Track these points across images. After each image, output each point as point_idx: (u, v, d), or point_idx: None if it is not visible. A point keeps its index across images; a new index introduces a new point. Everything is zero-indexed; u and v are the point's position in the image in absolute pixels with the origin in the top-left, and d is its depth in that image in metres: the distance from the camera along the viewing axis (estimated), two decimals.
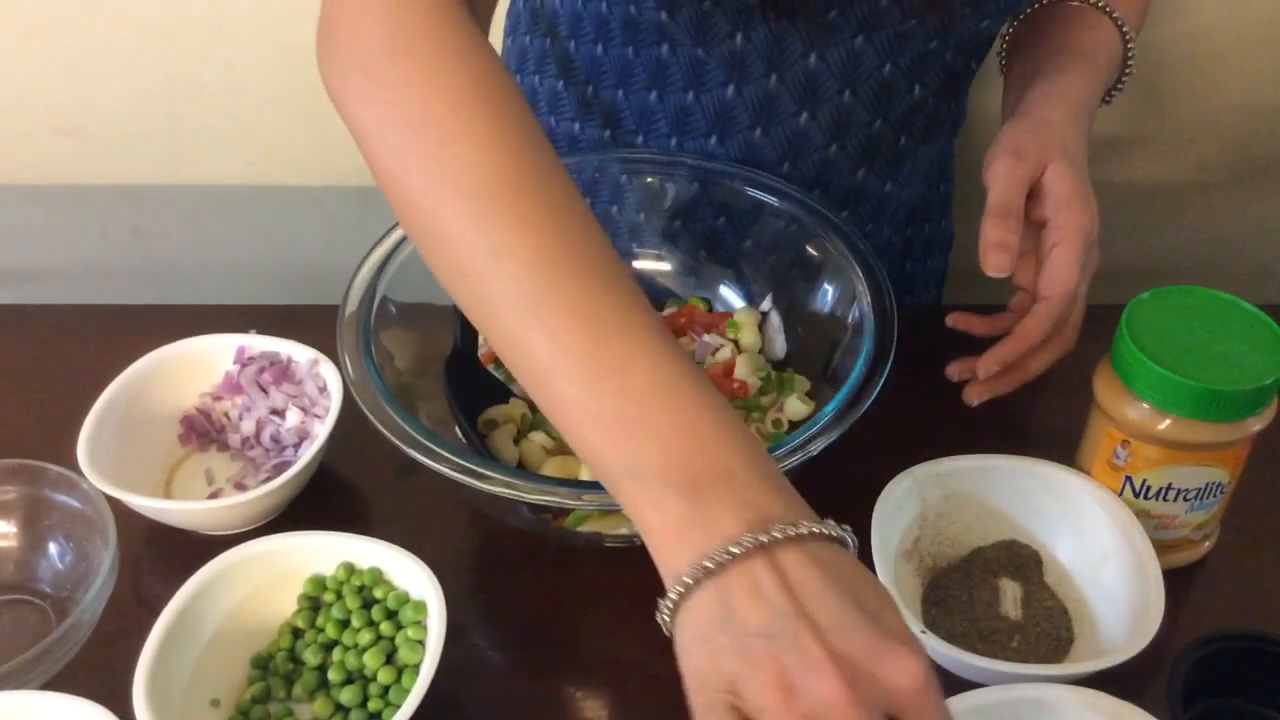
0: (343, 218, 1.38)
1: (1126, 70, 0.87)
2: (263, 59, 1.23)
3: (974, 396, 0.79)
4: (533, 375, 0.57)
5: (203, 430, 0.84)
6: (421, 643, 0.69)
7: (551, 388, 0.56)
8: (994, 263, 0.74)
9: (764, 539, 0.50)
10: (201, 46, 1.22)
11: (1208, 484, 0.73)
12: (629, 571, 0.78)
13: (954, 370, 0.80)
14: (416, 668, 0.68)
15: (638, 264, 0.94)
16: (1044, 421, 0.88)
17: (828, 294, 0.85)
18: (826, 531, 0.52)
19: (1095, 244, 0.78)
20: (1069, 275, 0.74)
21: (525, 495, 0.68)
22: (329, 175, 1.34)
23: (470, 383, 0.80)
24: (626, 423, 0.54)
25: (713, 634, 0.50)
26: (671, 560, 0.52)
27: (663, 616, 0.53)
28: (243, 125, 1.29)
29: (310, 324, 0.86)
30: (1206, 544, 0.78)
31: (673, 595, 0.52)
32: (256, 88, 1.26)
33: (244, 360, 0.84)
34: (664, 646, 0.74)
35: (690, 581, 0.51)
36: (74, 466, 0.75)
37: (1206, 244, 1.36)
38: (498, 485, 0.69)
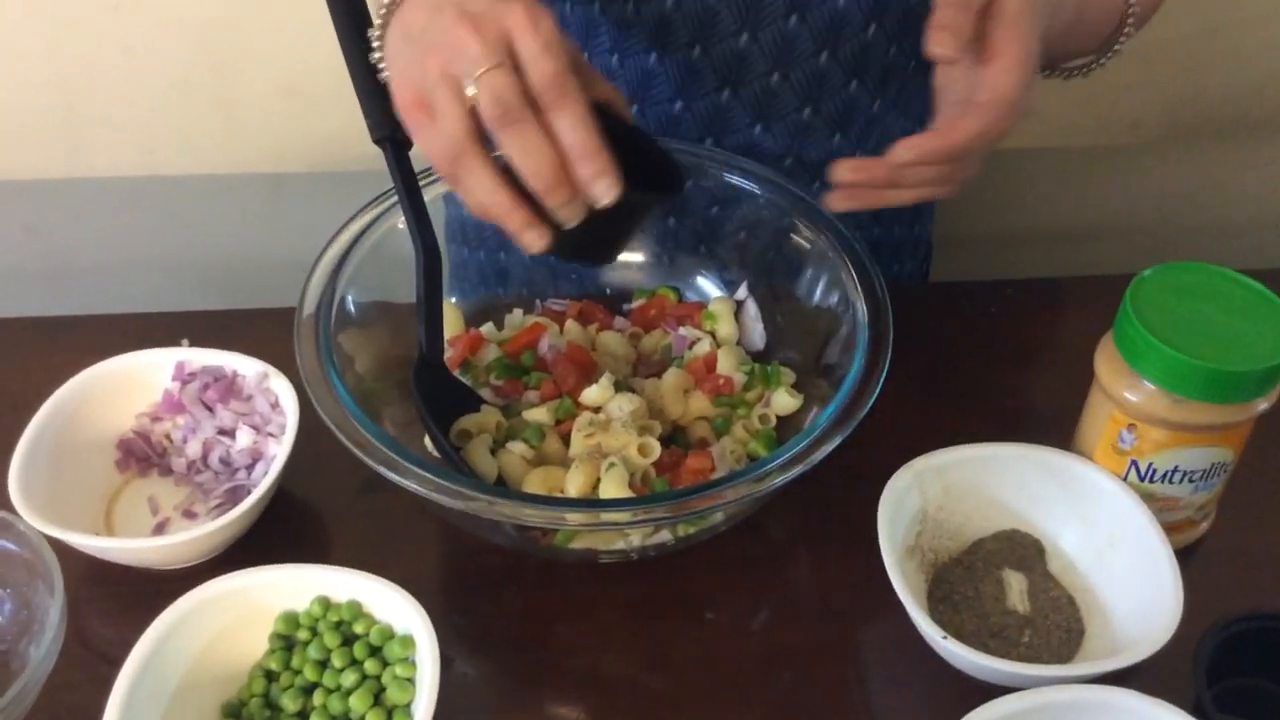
0: (255, 207, 1.30)
1: (1120, 35, 0.82)
2: (163, 42, 1.15)
3: (838, 202, 0.69)
4: None
5: (142, 455, 0.77)
6: (411, 680, 0.64)
7: None
8: (937, 38, 0.65)
9: None
10: (96, 30, 1.13)
11: (1213, 464, 0.71)
12: (616, 585, 0.74)
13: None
14: (407, 708, 0.63)
15: None
16: (1037, 404, 0.85)
17: (810, 280, 0.81)
18: None
19: (1030, 83, 0.68)
20: (1010, 84, 0.66)
21: (515, 516, 0.64)
22: (238, 163, 1.26)
23: (440, 392, 0.74)
24: None
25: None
26: None
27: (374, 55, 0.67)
28: (143, 113, 1.20)
29: (246, 330, 0.80)
30: (1205, 524, 0.76)
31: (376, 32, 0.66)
32: (157, 73, 1.17)
33: (184, 376, 0.77)
34: (656, 661, 0.71)
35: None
36: (4, 505, 0.68)
37: (1146, 204, 1.35)
38: (479, 505, 0.64)
